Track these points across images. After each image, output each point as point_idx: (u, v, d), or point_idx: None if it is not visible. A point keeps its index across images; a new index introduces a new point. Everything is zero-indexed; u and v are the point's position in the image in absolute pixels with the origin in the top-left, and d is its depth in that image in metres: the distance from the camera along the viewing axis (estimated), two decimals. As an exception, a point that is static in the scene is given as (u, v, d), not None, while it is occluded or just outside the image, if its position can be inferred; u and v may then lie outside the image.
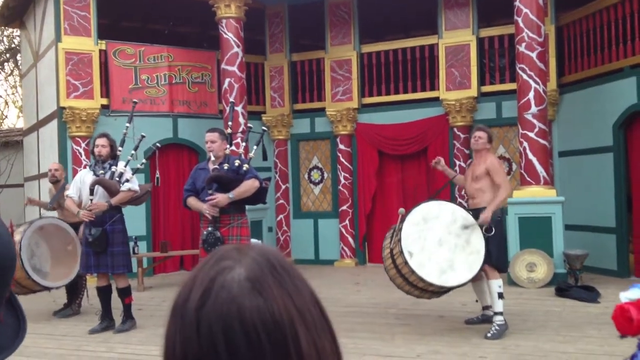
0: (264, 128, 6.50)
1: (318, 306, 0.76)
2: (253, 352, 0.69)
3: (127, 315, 6.26)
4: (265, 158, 6.40)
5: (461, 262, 5.40)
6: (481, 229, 5.50)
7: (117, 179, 6.10)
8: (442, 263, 5.36)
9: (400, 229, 5.42)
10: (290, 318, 0.71)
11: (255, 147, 6.04)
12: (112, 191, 6.04)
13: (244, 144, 6.34)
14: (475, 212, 5.64)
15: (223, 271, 0.73)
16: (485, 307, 5.96)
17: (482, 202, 5.72)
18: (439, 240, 5.42)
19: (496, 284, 5.57)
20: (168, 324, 0.75)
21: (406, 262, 5.31)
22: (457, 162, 10.22)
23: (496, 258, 5.60)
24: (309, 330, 0.72)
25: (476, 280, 5.76)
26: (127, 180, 6.13)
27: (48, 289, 6.88)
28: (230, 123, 6.38)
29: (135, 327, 6.25)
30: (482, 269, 5.49)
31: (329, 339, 0.75)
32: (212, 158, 5.74)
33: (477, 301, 6.18)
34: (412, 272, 5.32)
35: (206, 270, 0.75)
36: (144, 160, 6.56)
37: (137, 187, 6.24)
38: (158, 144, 6.74)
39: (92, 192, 6.02)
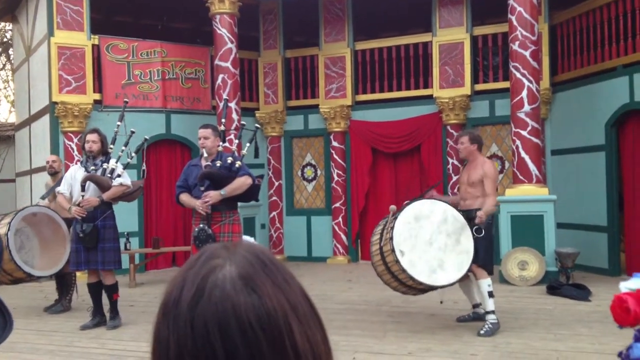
0: (257, 125, 6.49)
1: (307, 300, 0.77)
2: (250, 349, 0.70)
3: (115, 311, 6.25)
4: (257, 155, 6.39)
5: (451, 262, 5.41)
6: (471, 229, 5.52)
7: (109, 175, 6.08)
8: (432, 262, 5.37)
9: (392, 227, 5.41)
10: (285, 313, 0.72)
11: (248, 144, 6.03)
12: (103, 187, 6.02)
13: (237, 140, 6.32)
14: (467, 214, 5.66)
15: (214, 269, 0.74)
16: (475, 305, 5.97)
17: (473, 204, 5.76)
18: (429, 239, 5.42)
19: (485, 283, 5.59)
20: (158, 325, 0.75)
21: (397, 261, 5.31)
22: (450, 160, 10.24)
23: (482, 258, 5.61)
24: (302, 325, 0.73)
25: (463, 279, 5.78)
26: (119, 176, 6.11)
27: (37, 278, 6.87)
28: (223, 120, 6.36)
29: (121, 323, 6.24)
30: (470, 269, 5.51)
31: (320, 332, 0.76)
32: (205, 154, 5.72)
33: (441, 302, 6.14)
34: (403, 270, 5.32)
35: (196, 269, 0.75)
36: (133, 154, 6.53)
37: (129, 182, 6.23)
38: (147, 137, 6.72)
39: (83, 188, 5.99)
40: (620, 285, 2.03)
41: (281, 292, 0.73)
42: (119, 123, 6.47)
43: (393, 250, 5.32)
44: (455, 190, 9.76)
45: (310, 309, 0.77)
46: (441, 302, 5.97)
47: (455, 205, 5.73)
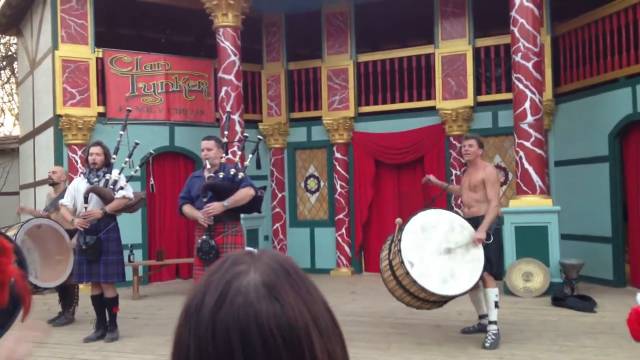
0: (259, 137, 6.51)
1: (329, 313, 0.77)
2: (270, 357, 0.70)
3: (114, 324, 6.24)
4: (259, 167, 6.40)
5: (462, 270, 5.35)
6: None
7: (112, 186, 6.08)
8: (443, 272, 5.31)
9: (399, 240, 5.36)
10: (306, 324, 0.72)
11: (250, 155, 6.04)
12: (106, 199, 6.02)
13: (240, 152, 6.33)
14: (472, 221, 5.63)
15: (238, 275, 0.74)
16: (482, 316, 5.94)
17: (479, 211, 5.69)
18: (437, 249, 5.38)
19: (493, 292, 5.56)
20: (179, 329, 0.75)
21: (407, 273, 5.24)
22: (453, 172, 10.24)
23: (496, 266, 5.60)
24: (322, 336, 0.73)
25: (474, 289, 5.75)
26: (122, 188, 6.12)
27: (42, 290, 6.86)
28: (226, 132, 6.37)
29: (119, 336, 6.22)
30: (481, 277, 5.47)
31: (340, 345, 0.77)
32: (208, 166, 5.74)
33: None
34: (414, 282, 5.26)
35: (221, 274, 0.75)
36: (137, 168, 6.54)
37: (131, 194, 6.22)
38: (152, 151, 6.72)
39: (86, 200, 6.00)
40: (637, 296, 1.95)
41: (303, 303, 0.74)
42: (121, 133, 6.47)
43: (402, 262, 5.25)
44: (459, 201, 9.75)
45: (331, 322, 0.76)
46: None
47: (459, 196, 5.73)
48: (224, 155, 5.82)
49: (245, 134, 6.32)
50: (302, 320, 0.72)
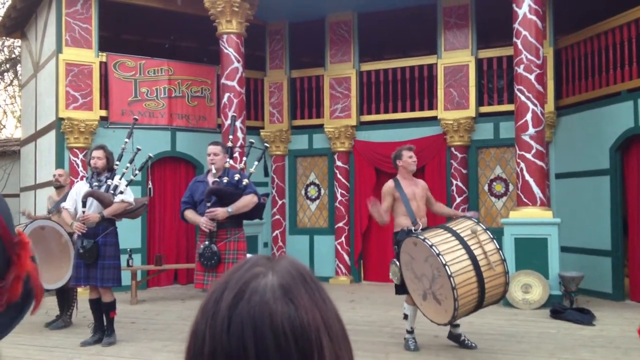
0: (266, 144, 6.52)
1: (340, 323, 0.81)
2: (280, 356, 0.72)
3: (111, 328, 6.23)
4: (266, 174, 6.43)
5: None
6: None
7: (112, 191, 6.08)
8: None
9: (493, 238, 5.28)
10: (317, 329, 0.75)
11: (256, 162, 6.05)
12: (105, 203, 6.01)
13: (245, 158, 6.34)
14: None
15: (257, 276, 0.77)
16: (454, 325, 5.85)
17: (426, 221, 5.85)
18: None
19: None
20: (197, 320, 0.78)
21: (507, 272, 5.24)
22: (454, 182, 10.24)
23: None
24: (333, 344, 0.76)
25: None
26: (122, 193, 6.12)
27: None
28: (230, 137, 6.38)
29: (116, 340, 6.21)
30: None
31: (348, 355, 0.79)
32: (213, 170, 5.75)
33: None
34: (507, 283, 5.29)
35: (240, 273, 0.79)
36: (137, 172, 6.54)
37: (131, 199, 6.21)
38: (151, 155, 6.72)
39: (84, 204, 6.00)
40: None
41: (317, 309, 0.77)
42: (126, 140, 6.48)
43: (504, 261, 5.22)
44: (465, 210, 9.74)
45: (342, 332, 0.80)
46: None
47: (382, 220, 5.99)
48: (228, 160, 5.84)
49: (251, 141, 6.32)
50: (315, 324, 0.75)
